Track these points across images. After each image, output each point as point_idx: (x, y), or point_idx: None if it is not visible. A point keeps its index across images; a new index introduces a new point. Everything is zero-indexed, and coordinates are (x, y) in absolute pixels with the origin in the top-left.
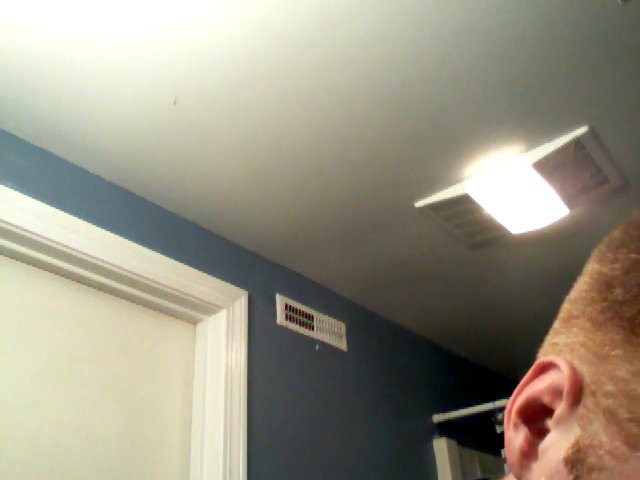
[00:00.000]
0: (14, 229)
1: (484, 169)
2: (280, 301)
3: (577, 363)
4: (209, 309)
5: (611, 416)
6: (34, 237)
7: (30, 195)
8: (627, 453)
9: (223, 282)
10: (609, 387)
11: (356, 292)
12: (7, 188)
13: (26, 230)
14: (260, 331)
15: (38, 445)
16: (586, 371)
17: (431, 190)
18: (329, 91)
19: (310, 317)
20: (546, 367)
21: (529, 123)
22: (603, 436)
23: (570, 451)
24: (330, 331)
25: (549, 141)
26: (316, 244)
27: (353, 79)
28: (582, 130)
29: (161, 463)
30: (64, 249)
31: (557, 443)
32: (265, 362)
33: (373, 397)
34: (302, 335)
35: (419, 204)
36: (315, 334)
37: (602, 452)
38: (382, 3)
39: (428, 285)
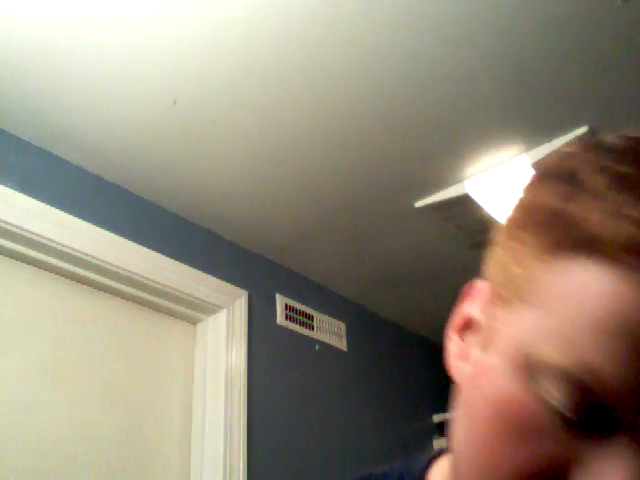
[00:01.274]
0: (14, 229)
1: (484, 169)
2: (280, 301)
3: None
4: (209, 309)
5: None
6: (34, 237)
7: (30, 195)
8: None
9: (223, 282)
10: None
11: (356, 292)
12: (7, 188)
13: (26, 230)
14: (260, 331)
15: (38, 445)
16: (493, 281)
17: (431, 190)
18: (329, 91)
19: (310, 317)
20: (470, 290)
21: (529, 123)
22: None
23: (489, 344)
24: (330, 331)
25: (549, 141)
26: (316, 244)
27: (353, 79)
28: (582, 130)
29: (161, 463)
30: (64, 249)
31: (479, 342)
32: (265, 362)
33: (373, 397)
34: (302, 335)
35: (419, 204)
36: (315, 334)
37: (502, 336)
38: (382, 3)
39: (428, 285)
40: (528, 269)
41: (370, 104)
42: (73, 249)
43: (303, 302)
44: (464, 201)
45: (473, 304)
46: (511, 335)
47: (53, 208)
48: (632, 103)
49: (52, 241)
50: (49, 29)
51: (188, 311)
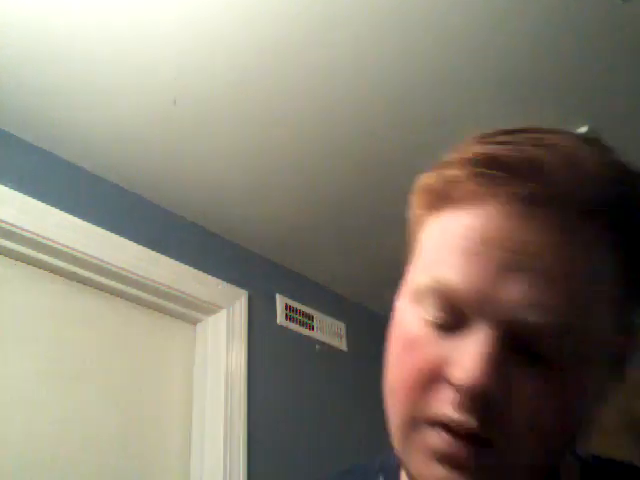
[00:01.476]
0: (14, 229)
1: None
2: (280, 301)
3: None
4: (209, 309)
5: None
6: (34, 237)
7: (30, 195)
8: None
9: (223, 282)
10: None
11: (356, 292)
12: (7, 188)
13: (26, 230)
14: (260, 331)
15: (38, 444)
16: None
17: None
18: (329, 91)
19: (310, 317)
20: None
21: (529, 123)
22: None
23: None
24: (330, 331)
25: None
26: (316, 244)
27: (353, 79)
28: (582, 130)
29: (161, 463)
30: (64, 249)
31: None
32: (265, 362)
33: (373, 397)
34: (302, 335)
35: None
36: (315, 334)
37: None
38: (382, 4)
39: None
40: (417, 230)
41: (370, 104)
42: (73, 249)
43: (303, 302)
44: None
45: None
46: (408, 281)
47: (53, 208)
48: (632, 103)
49: (52, 241)
50: (49, 28)
51: (188, 311)
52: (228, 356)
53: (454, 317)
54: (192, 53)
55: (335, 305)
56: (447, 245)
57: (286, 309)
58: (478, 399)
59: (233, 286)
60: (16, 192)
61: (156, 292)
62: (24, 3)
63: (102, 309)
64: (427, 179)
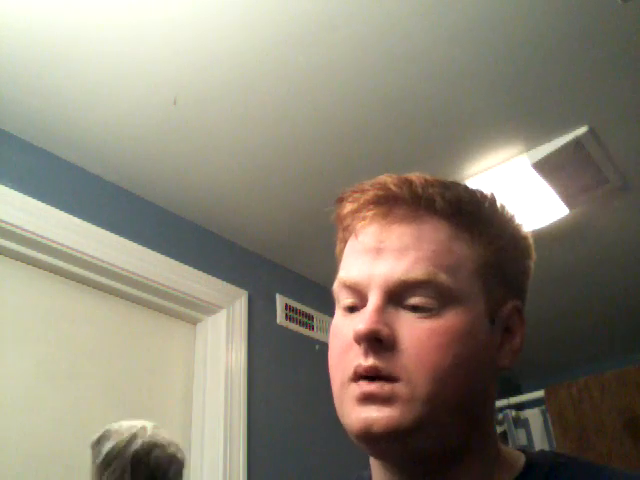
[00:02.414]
0: (14, 229)
1: (484, 169)
2: (280, 301)
3: None
4: (209, 309)
5: None
6: (34, 237)
7: (30, 195)
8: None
9: (223, 282)
10: None
11: None
12: (7, 188)
13: (26, 230)
14: (260, 331)
15: (37, 444)
16: None
17: None
18: (329, 91)
19: (310, 317)
20: None
21: (529, 123)
22: None
23: None
24: None
25: (549, 141)
26: (316, 244)
27: (353, 79)
28: (582, 130)
29: None
30: (64, 249)
31: None
32: (265, 362)
33: None
34: (302, 335)
35: None
36: (315, 334)
37: None
38: (382, 3)
39: None
40: (339, 262)
41: (370, 104)
42: (73, 249)
43: (303, 302)
44: None
45: None
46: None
47: (53, 208)
48: (632, 103)
49: (52, 241)
50: (49, 28)
51: (188, 311)
52: (228, 356)
53: (358, 300)
54: (192, 53)
55: (335, 305)
56: (346, 257)
57: (286, 309)
58: (372, 339)
59: (233, 286)
60: (16, 192)
61: (156, 292)
62: (24, 4)
63: (102, 309)
64: (336, 235)
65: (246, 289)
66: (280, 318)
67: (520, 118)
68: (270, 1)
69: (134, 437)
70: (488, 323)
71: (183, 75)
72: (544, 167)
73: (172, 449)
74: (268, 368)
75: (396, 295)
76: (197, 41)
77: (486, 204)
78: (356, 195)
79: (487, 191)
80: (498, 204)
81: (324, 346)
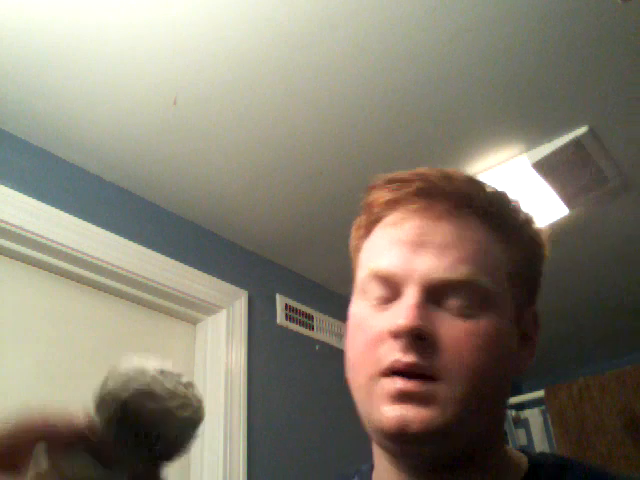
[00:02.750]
0: (14, 229)
1: (484, 169)
2: (280, 301)
3: None
4: (209, 309)
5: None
6: (34, 237)
7: (30, 195)
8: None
9: (223, 282)
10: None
11: None
12: (7, 188)
13: (26, 230)
14: (260, 331)
15: None
16: None
17: None
18: (329, 91)
19: (310, 317)
20: None
21: (529, 123)
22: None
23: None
24: (330, 331)
25: (549, 141)
26: (316, 244)
27: (353, 79)
28: (582, 130)
29: None
30: (64, 249)
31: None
32: (265, 362)
33: None
34: (302, 335)
35: None
36: (315, 334)
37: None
38: (382, 3)
39: None
40: (356, 256)
41: (370, 105)
42: (73, 249)
43: (303, 302)
44: None
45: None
46: (355, 287)
47: (53, 208)
48: (632, 103)
49: (52, 241)
50: (49, 28)
51: (188, 311)
52: (228, 356)
53: (390, 292)
54: (192, 53)
55: (335, 305)
56: (376, 246)
57: (286, 309)
58: (415, 337)
59: (233, 286)
60: (16, 192)
61: (156, 292)
62: (24, 4)
63: (102, 309)
64: (357, 219)
65: (246, 289)
66: (280, 318)
67: (520, 118)
68: (270, 1)
69: (128, 382)
70: (514, 328)
71: (183, 75)
72: (544, 167)
73: (174, 403)
74: (268, 368)
75: (435, 293)
76: (197, 40)
77: (516, 207)
78: (396, 184)
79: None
80: (523, 207)
81: (324, 346)
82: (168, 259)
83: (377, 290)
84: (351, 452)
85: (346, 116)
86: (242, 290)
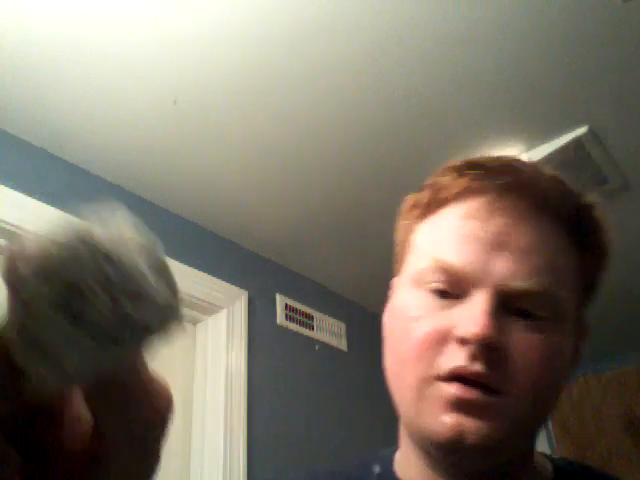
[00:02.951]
0: (14, 229)
1: None
2: (280, 301)
3: None
4: (209, 309)
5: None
6: None
7: (30, 195)
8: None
9: (223, 282)
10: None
11: (356, 292)
12: (7, 188)
13: (25, 230)
14: (260, 331)
15: None
16: None
17: None
18: (329, 92)
19: (310, 317)
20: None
21: (529, 123)
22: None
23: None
24: (330, 331)
25: (549, 141)
26: (316, 244)
27: (353, 80)
28: (582, 130)
29: (161, 463)
30: None
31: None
32: (265, 362)
33: (373, 397)
34: (302, 335)
35: None
36: (315, 334)
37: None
38: (383, 5)
39: None
40: (407, 237)
41: (370, 105)
42: None
43: (303, 302)
44: None
45: (390, 295)
46: (406, 274)
47: (53, 208)
48: (632, 103)
49: None
50: (50, 28)
51: (188, 311)
52: (228, 356)
53: (454, 289)
54: (193, 53)
55: (335, 305)
56: (442, 234)
57: (286, 309)
58: (485, 346)
59: (233, 286)
60: (16, 192)
61: None
62: (25, 6)
63: None
64: (413, 197)
65: (246, 289)
66: (280, 318)
67: (520, 118)
68: (272, 2)
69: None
70: (573, 341)
71: (183, 75)
72: None
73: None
74: (268, 368)
75: (508, 301)
76: (197, 41)
77: (594, 209)
78: (481, 172)
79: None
80: (599, 208)
81: (324, 346)
82: (168, 259)
83: (439, 283)
84: (351, 451)
85: (346, 117)
86: (242, 290)
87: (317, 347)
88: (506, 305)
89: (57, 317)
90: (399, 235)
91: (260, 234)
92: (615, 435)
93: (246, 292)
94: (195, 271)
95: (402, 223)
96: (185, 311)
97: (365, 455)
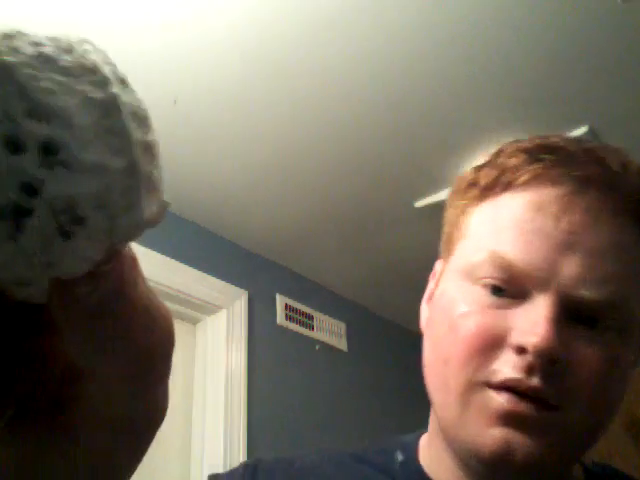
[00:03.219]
0: None
1: None
2: (280, 301)
3: None
4: (209, 309)
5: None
6: None
7: None
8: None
9: (223, 282)
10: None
11: (356, 292)
12: None
13: None
14: (260, 331)
15: None
16: None
17: (431, 190)
18: (330, 92)
19: (310, 317)
20: (432, 272)
21: (529, 123)
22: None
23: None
24: (330, 331)
25: None
26: (316, 244)
27: (354, 79)
28: (582, 130)
29: (161, 463)
30: None
31: (437, 283)
32: (265, 362)
33: (373, 397)
34: (302, 335)
35: (419, 204)
36: (315, 334)
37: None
38: (383, 5)
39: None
40: (460, 220)
41: (370, 105)
42: None
43: (303, 302)
44: None
45: (432, 279)
46: (456, 262)
47: None
48: (632, 103)
49: None
50: (50, 27)
51: (188, 311)
52: (228, 356)
53: (512, 288)
54: (193, 53)
55: (335, 305)
56: (503, 224)
57: (286, 309)
58: (547, 360)
59: (233, 286)
60: None
61: (156, 292)
62: (26, 8)
63: None
64: (470, 174)
65: (246, 289)
66: (280, 318)
67: (520, 118)
68: (275, 3)
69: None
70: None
71: (183, 75)
72: None
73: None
74: (268, 368)
75: (574, 308)
76: (198, 41)
77: None
78: (559, 158)
79: None
80: None
81: (324, 346)
82: (168, 259)
83: (495, 280)
84: None
85: (347, 116)
86: (242, 290)
87: (317, 347)
88: (570, 312)
89: None
90: (450, 215)
91: (260, 234)
92: (616, 436)
93: (246, 292)
94: (195, 271)
95: (455, 202)
96: (185, 311)
97: (387, 441)
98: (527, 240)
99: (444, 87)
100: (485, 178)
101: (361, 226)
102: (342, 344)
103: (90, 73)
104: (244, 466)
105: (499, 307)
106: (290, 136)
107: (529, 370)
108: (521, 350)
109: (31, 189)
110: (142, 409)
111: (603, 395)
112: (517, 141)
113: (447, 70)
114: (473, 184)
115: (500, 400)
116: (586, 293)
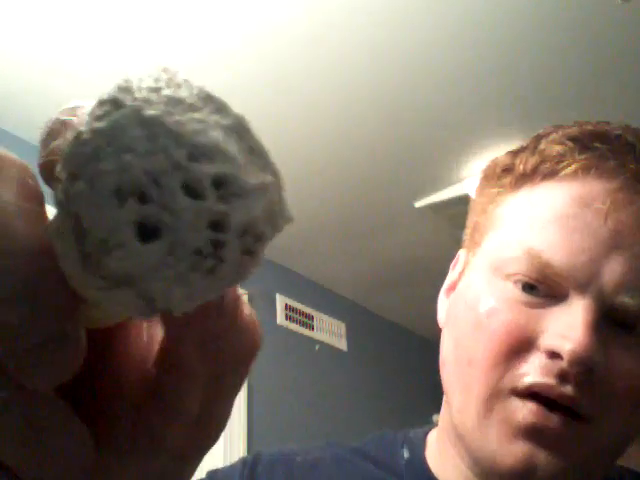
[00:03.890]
0: None
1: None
2: (280, 301)
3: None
4: None
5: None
6: None
7: None
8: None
9: None
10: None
11: (356, 292)
12: None
13: None
14: None
15: None
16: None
17: (431, 190)
18: (330, 92)
19: (310, 317)
20: (454, 261)
21: (529, 123)
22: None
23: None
24: (330, 331)
25: None
26: (316, 244)
27: (354, 80)
28: None
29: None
30: None
31: (460, 275)
32: (265, 362)
33: (373, 397)
34: (302, 335)
35: (419, 204)
36: (315, 334)
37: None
38: (382, 5)
39: (428, 285)
40: (491, 209)
41: (371, 106)
42: None
43: (303, 302)
44: (464, 201)
45: (454, 269)
46: (484, 255)
47: (53, 208)
48: (632, 103)
49: None
50: (51, 26)
51: None
52: None
53: (547, 287)
54: (193, 52)
55: (335, 305)
56: (542, 218)
57: (286, 309)
58: (583, 368)
59: None
60: None
61: None
62: (27, 15)
63: None
64: (506, 158)
65: (246, 289)
66: (280, 318)
67: (520, 118)
68: (271, 1)
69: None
70: None
71: (184, 74)
72: None
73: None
74: (268, 368)
75: (613, 315)
76: (197, 41)
77: None
78: (606, 147)
79: None
80: None
81: (324, 346)
82: None
83: (527, 278)
84: None
85: (347, 117)
86: (242, 290)
87: (317, 347)
88: (608, 316)
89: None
90: (479, 202)
91: None
92: None
93: (246, 292)
94: None
95: (485, 189)
96: None
97: (393, 435)
98: (569, 238)
99: (444, 87)
100: (523, 165)
101: (361, 226)
102: (342, 344)
103: (208, 102)
104: (243, 462)
105: (531, 306)
106: (290, 136)
107: (563, 377)
108: (554, 355)
109: (219, 225)
110: (215, 414)
111: (637, 406)
112: (561, 127)
113: (446, 71)
114: (508, 170)
115: (525, 411)
116: (629, 300)
